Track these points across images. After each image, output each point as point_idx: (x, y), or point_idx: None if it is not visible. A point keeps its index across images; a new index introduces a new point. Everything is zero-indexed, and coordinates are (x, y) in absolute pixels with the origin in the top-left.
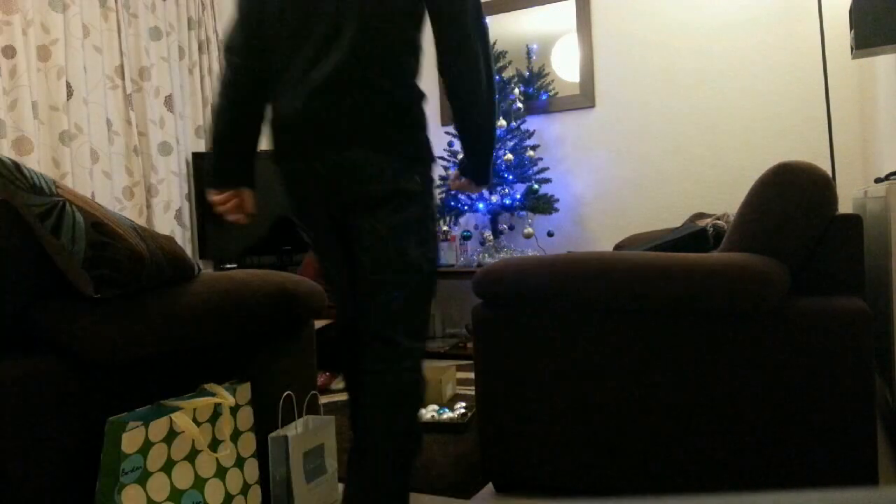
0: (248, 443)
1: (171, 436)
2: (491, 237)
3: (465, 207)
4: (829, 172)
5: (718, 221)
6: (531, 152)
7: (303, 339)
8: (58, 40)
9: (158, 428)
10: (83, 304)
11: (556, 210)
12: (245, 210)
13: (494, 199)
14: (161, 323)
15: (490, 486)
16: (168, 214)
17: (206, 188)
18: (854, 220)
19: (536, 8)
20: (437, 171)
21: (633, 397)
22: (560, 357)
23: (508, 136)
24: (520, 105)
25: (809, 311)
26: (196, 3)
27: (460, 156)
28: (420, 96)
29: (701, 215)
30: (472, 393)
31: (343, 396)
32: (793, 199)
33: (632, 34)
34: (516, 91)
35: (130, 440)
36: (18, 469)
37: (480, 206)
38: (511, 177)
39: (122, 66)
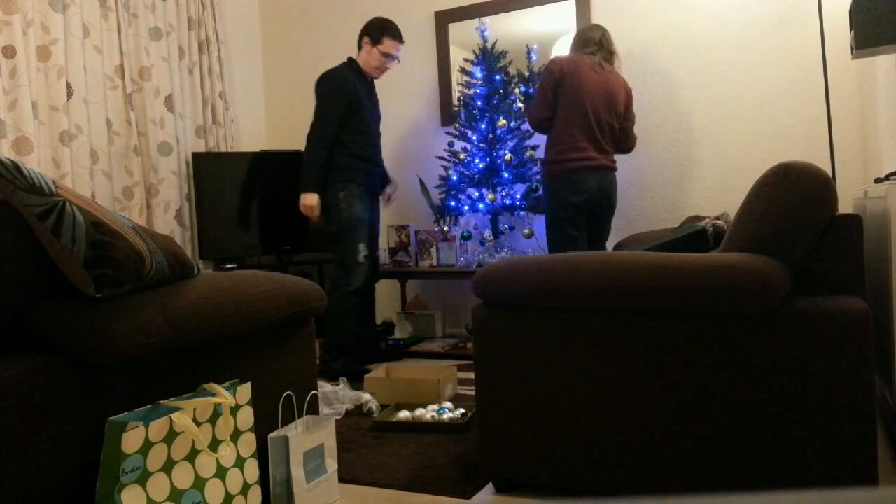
0: (248, 443)
1: (171, 436)
2: (491, 237)
3: (466, 207)
4: (829, 172)
5: (718, 221)
6: (531, 152)
7: (303, 339)
8: (58, 40)
9: (158, 428)
10: (83, 304)
11: None
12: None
13: (494, 198)
14: (162, 322)
15: (490, 486)
16: (168, 214)
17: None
18: (854, 220)
19: (536, 8)
20: (434, 171)
21: (633, 397)
22: (560, 357)
23: (508, 136)
24: (520, 105)
25: (809, 311)
26: (196, 3)
27: (460, 155)
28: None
29: (696, 218)
30: (472, 393)
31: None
32: (793, 199)
33: (632, 34)
34: (517, 91)
35: (130, 440)
36: (19, 469)
37: (480, 206)
38: (511, 176)
39: (122, 66)
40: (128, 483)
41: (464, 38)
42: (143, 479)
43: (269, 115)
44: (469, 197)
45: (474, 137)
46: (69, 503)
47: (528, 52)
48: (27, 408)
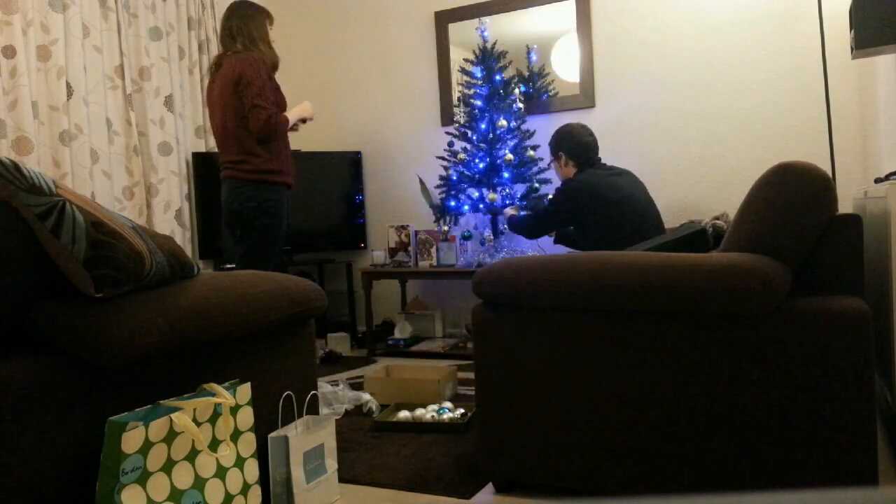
0: (248, 443)
1: (171, 436)
2: (491, 237)
3: (466, 207)
4: (829, 172)
5: (718, 221)
6: (531, 152)
7: (303, 339)
8: (58, 40)
9: (158, 428)
10: (83, 304)
11: None
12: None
13: (494, 198)
14: (162, 322)
15: (490, 486)
16: (168, 214)
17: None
18: (854, 220)
19: (536, 8)
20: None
21: (632, 397)
22: (559, 357)
23: (509, 136)
24: (520, 105)
25: (809, 311)
26: (196, 3)
27: (460, 155)
28: None
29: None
30: (472, 393)
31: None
32: (793, 199)
33: (632, 34)
34: (516, 91)
35: (130, 440)
36: (19, 469)
37: (480, 206)
38: (510, 176)
39: (122, 66)
40: (128, 483)
41: (464, 38)
42: (143, 479)
43: None
44: (469, 197)
45: (474, 137)
46: (69, 503)
47: (528, 52)
48: (27, 408)
